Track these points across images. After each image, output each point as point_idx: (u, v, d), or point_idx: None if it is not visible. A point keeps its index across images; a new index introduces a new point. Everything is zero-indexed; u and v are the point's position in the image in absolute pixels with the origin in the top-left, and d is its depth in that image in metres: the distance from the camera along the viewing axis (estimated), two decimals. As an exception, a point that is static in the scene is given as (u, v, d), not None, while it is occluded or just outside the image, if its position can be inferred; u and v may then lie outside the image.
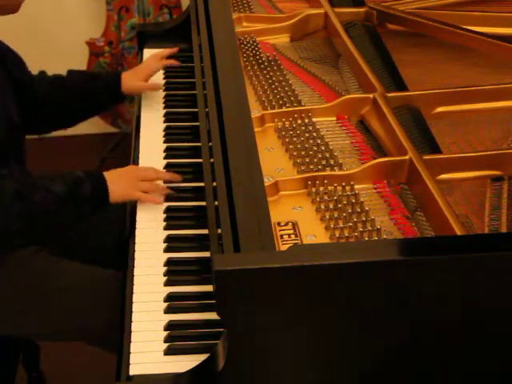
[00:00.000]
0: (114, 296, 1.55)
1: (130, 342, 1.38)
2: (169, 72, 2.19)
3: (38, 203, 1.55)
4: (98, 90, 1.97)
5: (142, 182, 1.68)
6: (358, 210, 1.39)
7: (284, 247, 1.32)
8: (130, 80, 1.99)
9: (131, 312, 1.45)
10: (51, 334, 1.73)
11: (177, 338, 1.38)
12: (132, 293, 1.49)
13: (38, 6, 3.07)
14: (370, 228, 1.35)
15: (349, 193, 1.44)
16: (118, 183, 1.65)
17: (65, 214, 1.60)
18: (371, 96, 1.65)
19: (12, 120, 1.73)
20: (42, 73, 1.99)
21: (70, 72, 2.01)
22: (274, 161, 1.54)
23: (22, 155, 1.83)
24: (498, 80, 1.73)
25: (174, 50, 2.12)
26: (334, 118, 1.67)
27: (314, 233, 1.38)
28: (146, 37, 2.33)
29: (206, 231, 1.56)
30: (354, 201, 1.41)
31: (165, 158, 1.86)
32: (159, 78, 2.16)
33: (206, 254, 1.53)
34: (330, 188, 1.45)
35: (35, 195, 1.55)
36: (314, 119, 1.65)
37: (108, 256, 1.78)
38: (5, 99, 1.72)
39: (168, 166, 1.82)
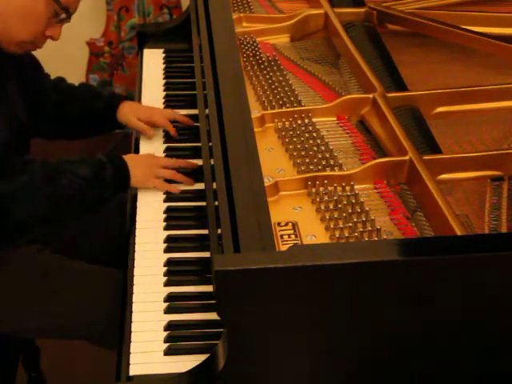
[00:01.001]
0: (115, 294, 1.56)
1: (129, 342, 1.38)
2: (169, 72, 2.19)
3: (65, 187, 1.60)
4: (98, 109, 1.95)
5: (161, 169, 1.73)
6: (358, 211, 1.39)
7: (284, 247, 1.32)
8: (128, 111, 1.93)
9: (131, 312, 1.45)
10: (52, 331, 1.74)
11: (177, 338, 1.38)
12: (132, 293, 1.49)
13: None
14: (370, 228, 1.35)
15: (349, 193, 1.44)
16: (139, 168, 1.70)
17: (89, 197, 1.64)
18: (371, 96, 1.65)
19: (19, 119, 1.73)
20: (60, 79, 1.99)
21: (81, 84, 2.03)
22: (274, 161, 1.54)
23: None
24: (499, 80, 1.73)
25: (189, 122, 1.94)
26: (334, 118, 1.66)
27: (314, 233, 1.38)
28: (146, 37, 2.32)
29: (206, 231, 1.56)
30: (354, 201, 1.41)
31: (165, 158, 1.85)
32: (159, 78, 2.16)
33: (206, 254, 1.53)
34: (330, 188, 1.45)
35: (62, 179, 1.60)
36: (314, 119, 1.65)
37: (109, 255, 1.78)
38: (12, 98, 1.72)
39: (168, 166, 1.82)
